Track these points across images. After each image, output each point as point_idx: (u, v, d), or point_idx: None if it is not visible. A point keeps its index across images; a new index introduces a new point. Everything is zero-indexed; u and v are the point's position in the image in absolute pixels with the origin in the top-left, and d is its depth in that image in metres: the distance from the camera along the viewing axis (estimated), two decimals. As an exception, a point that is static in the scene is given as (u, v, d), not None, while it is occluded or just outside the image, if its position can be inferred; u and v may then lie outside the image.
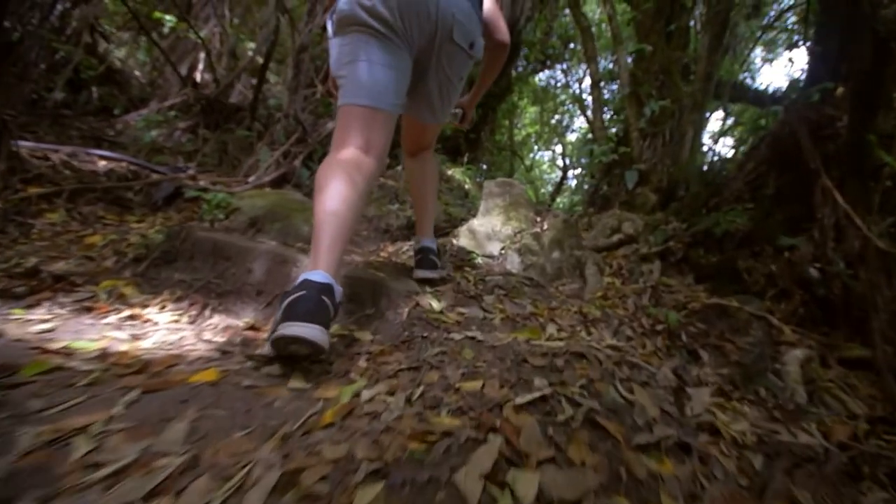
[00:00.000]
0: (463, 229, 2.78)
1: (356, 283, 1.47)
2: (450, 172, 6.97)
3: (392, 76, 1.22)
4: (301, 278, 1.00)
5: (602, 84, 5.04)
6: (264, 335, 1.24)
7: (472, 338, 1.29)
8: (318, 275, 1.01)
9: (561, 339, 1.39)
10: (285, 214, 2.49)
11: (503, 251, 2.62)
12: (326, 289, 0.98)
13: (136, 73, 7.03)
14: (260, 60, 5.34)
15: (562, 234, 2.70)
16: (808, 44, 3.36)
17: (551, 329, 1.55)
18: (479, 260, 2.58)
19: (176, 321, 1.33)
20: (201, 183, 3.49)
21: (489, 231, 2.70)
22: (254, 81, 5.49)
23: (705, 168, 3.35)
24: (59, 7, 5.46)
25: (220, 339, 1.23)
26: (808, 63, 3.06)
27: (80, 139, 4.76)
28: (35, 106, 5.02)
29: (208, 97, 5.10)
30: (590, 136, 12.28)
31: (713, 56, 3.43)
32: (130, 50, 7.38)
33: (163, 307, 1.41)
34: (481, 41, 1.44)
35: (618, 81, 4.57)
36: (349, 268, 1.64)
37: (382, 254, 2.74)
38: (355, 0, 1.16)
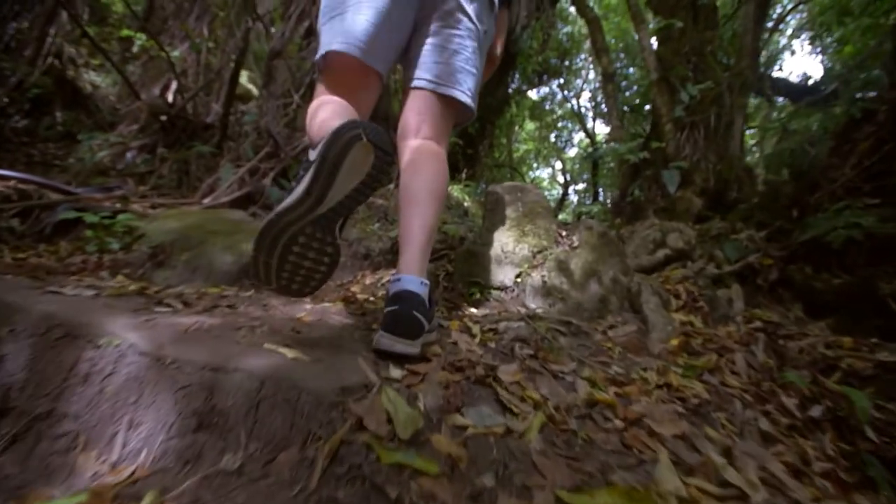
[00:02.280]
0: (461, 251, 1.94)
1: (231, 396, 0.63)
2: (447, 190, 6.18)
3: (370, 17, 0.96)
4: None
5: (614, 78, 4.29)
6: None
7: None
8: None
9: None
10: (200, 240, 1.66)
11: (519, 280, 1.78)
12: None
13: (112, 97, 6.38)
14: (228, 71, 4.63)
15: (600, 252, 1.86)
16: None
17: (631, 434, 0.69)
18: (483, 293, 1.74)
19: None
20: (135, 206, 2.68)
21: (498, 253, 1.86)
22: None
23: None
24: (13, 25, 4.80)
25: None
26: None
27: (24, 164, 4.04)
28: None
29: (168, 113, 4.36)
30: (590, 148, 11.61)
31: (759, 27, 2.65)
32: (110, 73, 6.74)
33: None
34: None
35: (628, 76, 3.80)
36: (238, 349, 0.79)
37: (354, 287, 1.89)
38: None
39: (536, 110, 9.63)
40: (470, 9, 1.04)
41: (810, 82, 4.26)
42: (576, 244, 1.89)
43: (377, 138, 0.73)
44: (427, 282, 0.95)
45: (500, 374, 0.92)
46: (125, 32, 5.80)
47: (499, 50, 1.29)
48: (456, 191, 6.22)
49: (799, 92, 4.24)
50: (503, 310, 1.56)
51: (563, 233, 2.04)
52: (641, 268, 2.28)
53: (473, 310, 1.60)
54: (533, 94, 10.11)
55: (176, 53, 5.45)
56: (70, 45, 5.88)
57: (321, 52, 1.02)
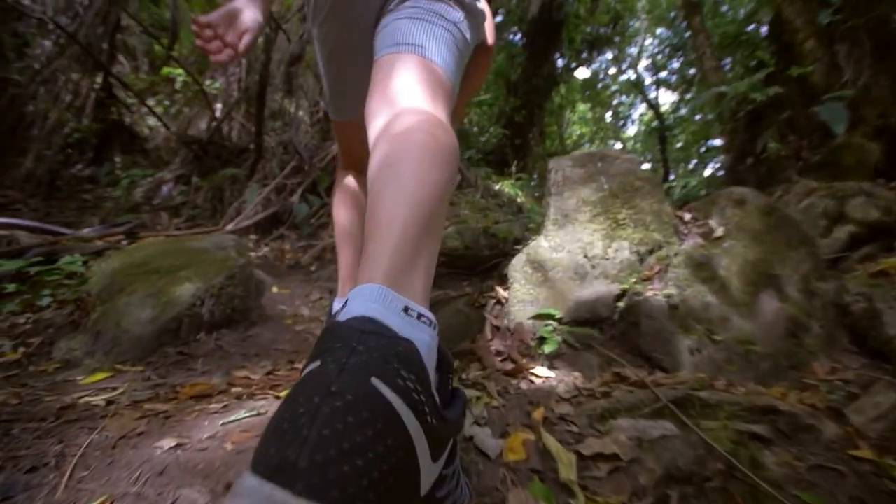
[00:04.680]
0: (519, 260, 1.17)
1: None
2: (497, 187, 5.41)
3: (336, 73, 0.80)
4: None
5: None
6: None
7: None
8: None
9: None
10: (121, 286, 1.07)
11: (623, 304, 1.00)
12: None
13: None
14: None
15: (768, 243, 1.01)
16: None
17: None
18: (564, 335, 0.97)
19: None
20: (147, 239, 2.27)
21: (579, 260, 1.08)
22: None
23: None
24: (63, 78, 4.82)
25: None
26: None
27: (75, 209, 3.96)
28: (51, 182, 4.34)
29: (199, 141, 4.09)
30: (655, 122, 10.10)
31: None
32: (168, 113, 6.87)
33: None
34: None
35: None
36: None
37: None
38: None
39: (588, 89, 8.50)
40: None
41: None
42: (718, 232, 1.05)
43: None
44: (422, 313, 0.35)
45: None
46: (165, 71, 5.76)
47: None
48: (507, 186, 5.42)
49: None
50: (610, 378, 0.79)
51: (687, 215, 1.20)
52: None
53: (547, 373, 0.84)
54: (582, 74, 9.00)
55: (217, 84, 5.29)
56: (124, 91, 5.97)
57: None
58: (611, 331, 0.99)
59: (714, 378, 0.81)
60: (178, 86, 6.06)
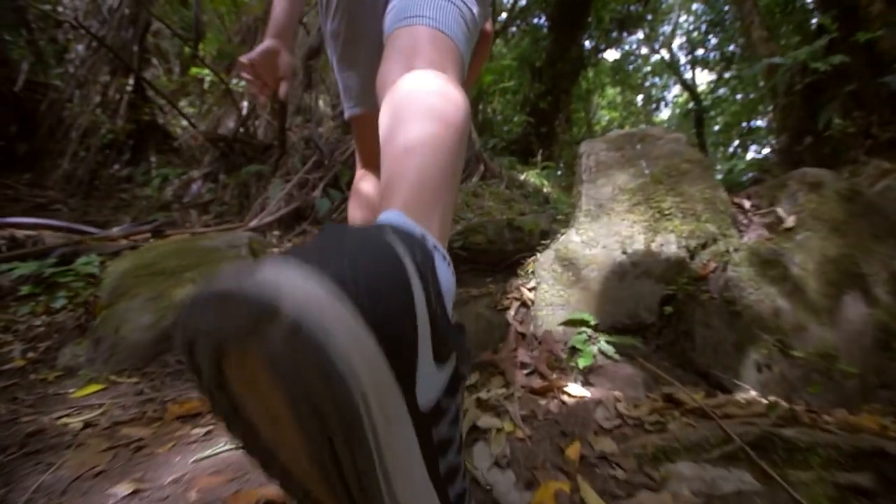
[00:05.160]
0: (547, 257, 1.03)
1: None
2: (522, 177, 5.22)
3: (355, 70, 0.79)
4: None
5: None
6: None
7: None
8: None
9: None
10: (125, 289, 1.02)
11: (673, 308, 0.85)
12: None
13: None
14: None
15: (851, 234, 0.83)
16: None
17: None
18: (600, 345, 0.83)
19: None
20: (174, 237, 2.27)
21: (617, 257, 0.93)
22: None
23: None
24: (97, 80, 4.96)
25: None
26: None
27: (112, 208, 4.09)
28: (90, 182, 4.50)
29: (225, 139, 4.11)
30: (691, 104, 9.49)
31: None
32: (199, 113, 7.04)
33: None
34: None
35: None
36: None
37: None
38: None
39: (618, 72, 8.08)
40: None
41: None
42: (788, 223, 0.88)
43: None
44: (438, 246, 0.33)
45: None
46: (194, 71, 5.85)
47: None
48: (532, 176, 5.21)
49: None
50: (661, 402, 0.65)
51: (747, 203, 1.02)
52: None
53: (581, 391, 0.71)
54: (611, 56, 8.58)
55: (243, 83, 5.33)
56: (154, 93, 6.12)
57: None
58: (656, 340, 0.84)
59: (789, 399, 0.66)
60: (206, 86, 6.17)
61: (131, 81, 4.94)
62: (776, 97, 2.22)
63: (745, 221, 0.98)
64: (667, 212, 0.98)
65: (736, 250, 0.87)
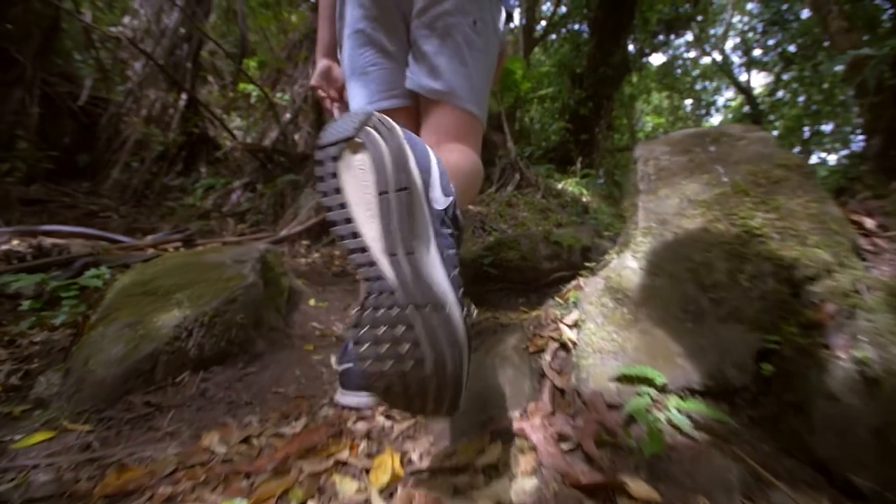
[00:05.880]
0: (593, 286, 0.81)
1: None
2: (560, 186, 4.92)
3: (377, 64, 0.82)
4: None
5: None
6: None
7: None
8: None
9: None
10: (106, 313, 0.90)
11: (770, 367, 0.61)
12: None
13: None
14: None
15: None
16: None
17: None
18: (671, 414, 0.60)
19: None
20: (198, 247, 2.24)
21: (683, 289, 0.70)
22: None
23: None
24: (151, 96, 5.19)
25: None
26: None
27: (160, 215, 4.23)
28: (142, 191, 4.72)
29: (265, 149, 4.16)
30: (746, 108, 8.75)
31: None
32: (247, 125, 7.31)
33: None
34: None
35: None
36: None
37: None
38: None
39: (665, 77, 7.59)
40: None
41: None
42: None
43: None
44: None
45: None
46: (242, 86, 6.05)
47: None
48: (571, 185, 4.90)
49: None
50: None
51: (869, 221, 0.75)
52: None
53: (648, 492, 0.48)
54: (657, 59, 8.11)
55: (287, 97, 5.46)
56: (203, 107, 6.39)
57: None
58: (751, 411, 0.60)
59: None
60: (252, 100, 6.38)
61: (184, 97, 5.13)
62: (864, 95, 1.85)
63: (869, 247, 0.72)
64: (757, 231, 0.74)
65: (868, 288, 0.61)
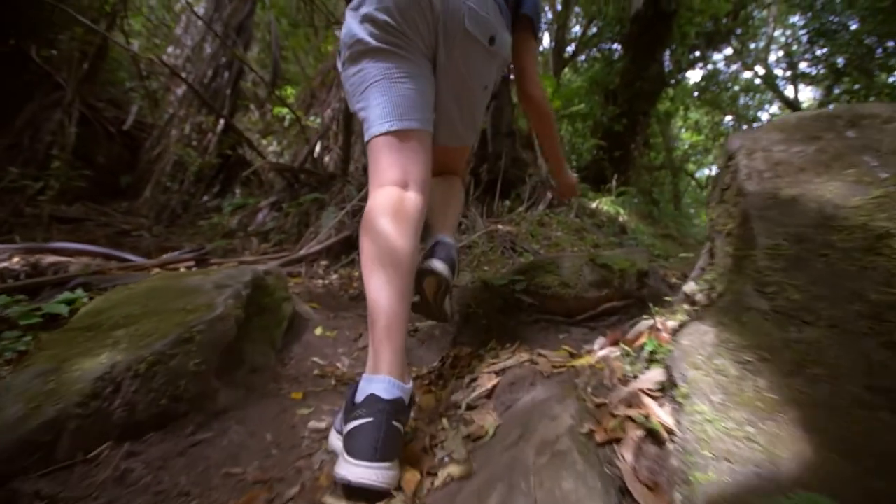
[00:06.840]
0: (696, 339, 0.52)
1: None
2: (594, 204, 4.58)
3: (413, 87, 0.88)
4: (365, 392, 0.64)
5: None
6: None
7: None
8: (384, 384, 0.64)
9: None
10: (51, 344, 0.70)
11: None
12: (397, 406, 0.63)
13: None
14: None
15: None
16: None
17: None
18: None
19: None
20: (213, 266, 2.09)
21: (859, 347, 0.41)
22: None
23: None
24: (192, 121, 5.32)
25: None
26: None
27: (189, 234, 4.23)
28: (181, 211, 4.81)
29: (292, 169, 4.10)
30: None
31: None
32: (283, 147, 7.45)
33: None
34: (507, 37, 1.00)
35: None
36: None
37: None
38: (351, 19, 0.90)
39: (703, 92, 7.16)
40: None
41: None
42: None
43: None
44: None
45: None
46: (276, 111, 6.16)
47: (531, 86, 1.11)
48: (606, 204, 4.55)
49: None
50: None
51: None
52: None
53: None
54: (695, 75, 7.72)
55: (318, 119, 5.51)
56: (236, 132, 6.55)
57: (372, 133, 0.87)
58: None
59: None
60: (286, 123, 6.49)
61: (222, 121, 5.23)
62: None
63: None
64: None
65: None
